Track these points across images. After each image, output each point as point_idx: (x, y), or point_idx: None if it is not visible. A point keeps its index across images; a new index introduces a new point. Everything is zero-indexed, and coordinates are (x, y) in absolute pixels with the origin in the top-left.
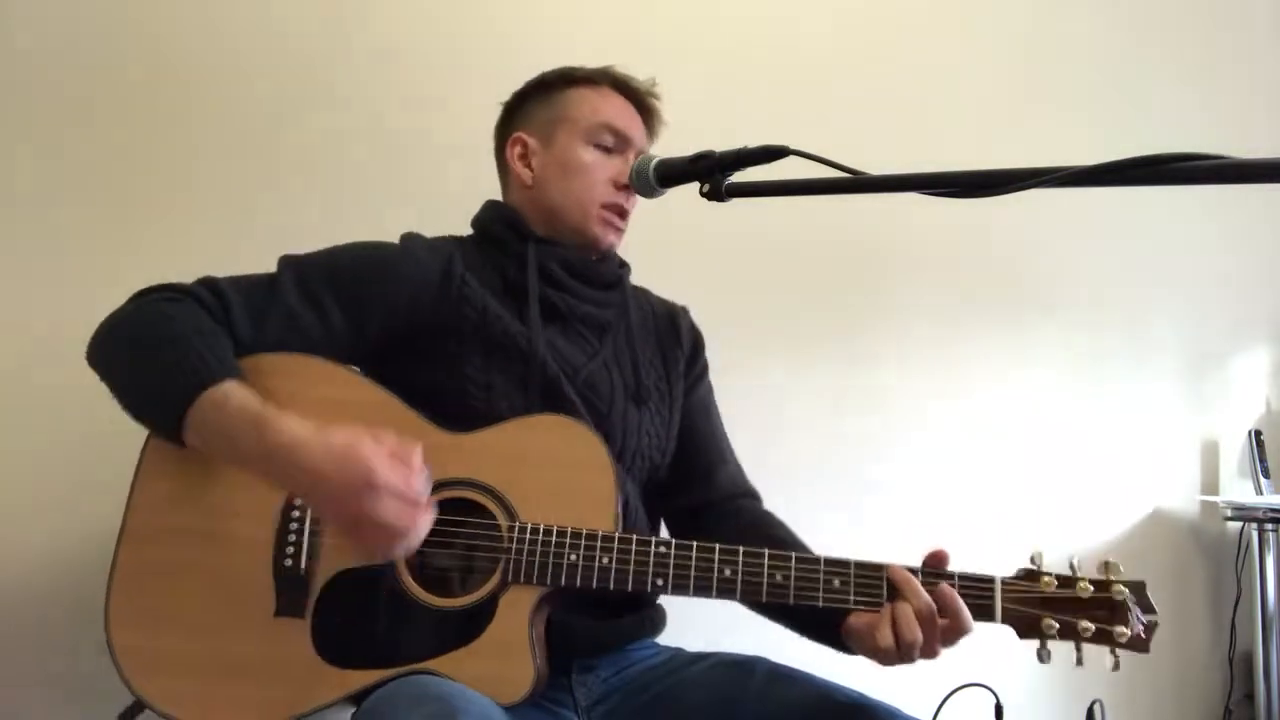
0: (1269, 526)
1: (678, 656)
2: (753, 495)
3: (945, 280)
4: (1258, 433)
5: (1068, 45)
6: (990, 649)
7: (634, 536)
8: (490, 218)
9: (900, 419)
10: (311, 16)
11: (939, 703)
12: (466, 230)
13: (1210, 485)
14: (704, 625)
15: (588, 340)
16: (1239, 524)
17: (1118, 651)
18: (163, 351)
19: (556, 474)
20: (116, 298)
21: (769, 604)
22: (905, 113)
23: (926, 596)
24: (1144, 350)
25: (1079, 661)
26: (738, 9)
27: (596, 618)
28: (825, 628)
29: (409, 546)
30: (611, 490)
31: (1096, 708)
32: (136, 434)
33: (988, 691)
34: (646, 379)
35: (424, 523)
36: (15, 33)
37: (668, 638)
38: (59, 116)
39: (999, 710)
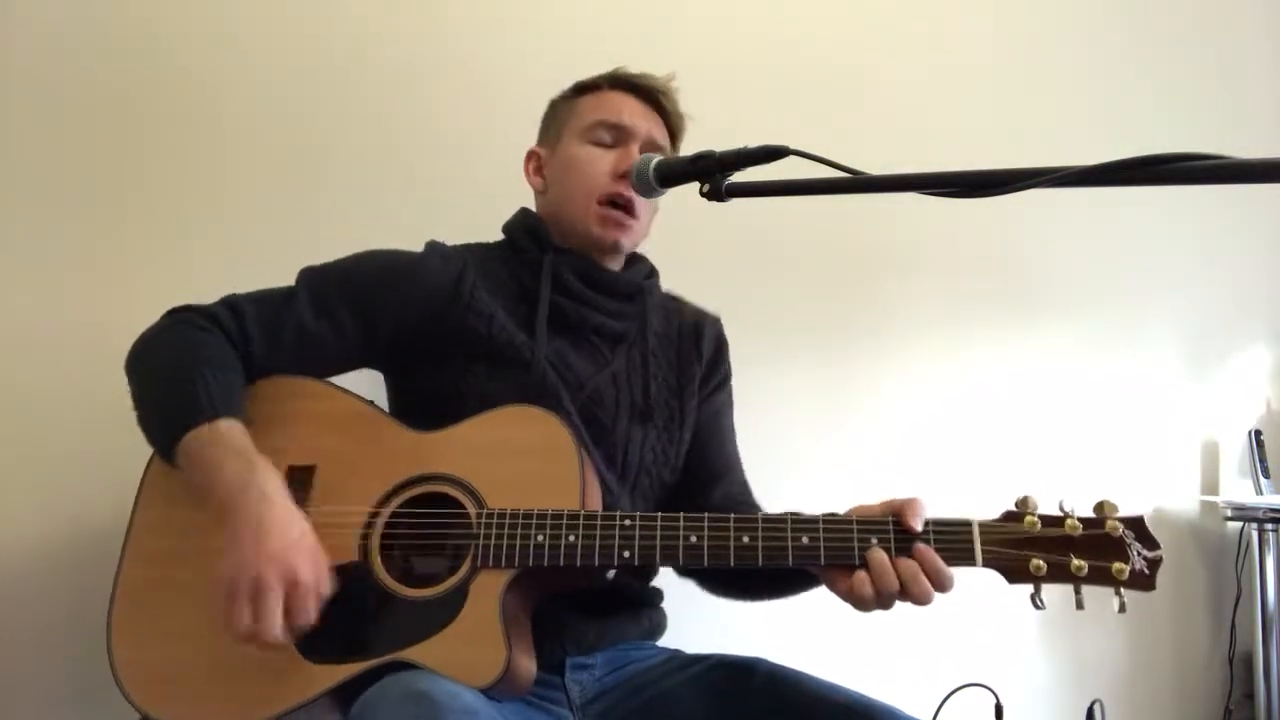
0: (1269, 526)
1: (676, 657)
2: (751, 507)
3: (945, 280)
4: (1258, 433)
5: (1067, 45)
6: (990, 649)
7: (599, 512)
8: (516, 224)
9: (900, 419)
10: (328, 18)
11: (939, 703)
12: (497, 236)
13: (1210, 485)
14: (704, 627)
15: (600, 352)
16: (1239, 524)
17: (1123, 592)
18: (173, 383)
19: (523, 461)
20: (117, 302)
21: (758, 573)
22: (905, 113)
23: (895, 582)
24: (1144, 350)
25: (1079, 605)
26: (737, 9)
27: (591, 617)
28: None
29: (272, 626)
30: (575, 473)
31: (1096, 708)
32: (137, 440)
33: (988, 691)
34: (657, 395)
35: (305, 611)
36: (17, 35)
37: (667, 639)
38: (65, 123)
39: (999, 710)
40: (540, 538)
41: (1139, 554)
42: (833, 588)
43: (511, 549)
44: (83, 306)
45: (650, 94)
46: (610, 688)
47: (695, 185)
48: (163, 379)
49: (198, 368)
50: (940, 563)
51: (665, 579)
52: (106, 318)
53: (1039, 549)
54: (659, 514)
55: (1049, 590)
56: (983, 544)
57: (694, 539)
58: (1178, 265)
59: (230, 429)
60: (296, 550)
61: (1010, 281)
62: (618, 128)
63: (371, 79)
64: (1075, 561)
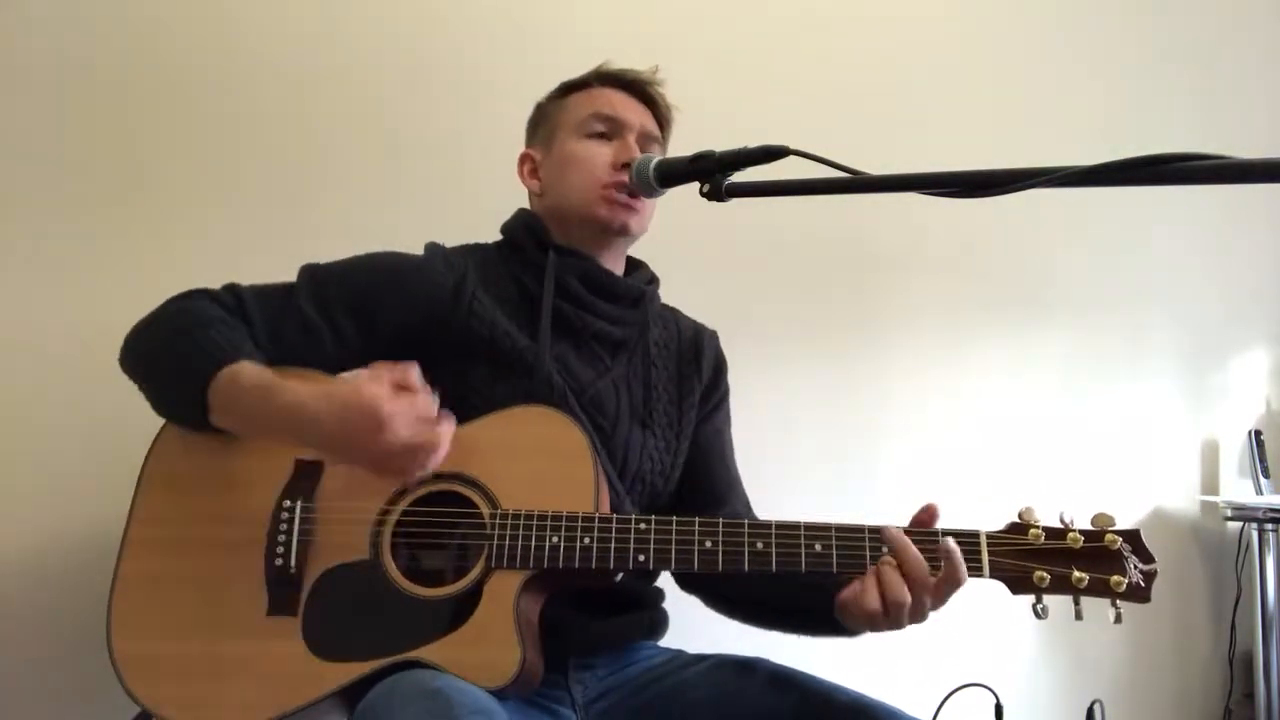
0: (1269, 526)
1: (678, 657)
2: None
3: (945, 280)
4: (1258, 433)
5: (1068, 45)
6: (990, 649)
7: (614, 515)
8: (516, 224)
9: (901, 419)
10: (327, 18)
11: (939, 703)
12: (494, 236)
13: (1210, 485)
14: (706, 628)
15: (600, 358)
16: (1239, 524)
17: (1119, 603)
18: (181, 342)
19: (537, 462)
20: (119, 298)
21: (763, 601)
22: (905, 113)
23: (919, 556)
24: (1144, 350)
25: (1078, 615)
26: (738, 9)
27: (593, 616)
28: (821, 614)
29: (437, 460)
30: (590, 475)
31: (1096, 708)
32: (137, 436)
33: (988, 691)
34: (656, 402)
35: (444, 433)
36: (17, 35)
37: (669, 639)
38: (63, 117)
39: (999, 710)
40: (555, 539)
41: (1136, 567)
42: (846, 614)
43: (526, 550)
44: (82, 303)
45: (638, 87)
46: (613, 687)
47: (695, 185)
48: (168, 346)
49: (201, 325)
50: (958, 554)
51: (666, 579)
52: (105, 314)
53: (1042, 561)
54: (674, 518)
55: (1047, 601)
56: (990, 555)
57: (709, 544)
58: (1178, 266)
59: (242, 369)
60: (357, 408)
61: (1011, 281)
62: (612, 119)
63: (371, 80)
64: (1076, 574)
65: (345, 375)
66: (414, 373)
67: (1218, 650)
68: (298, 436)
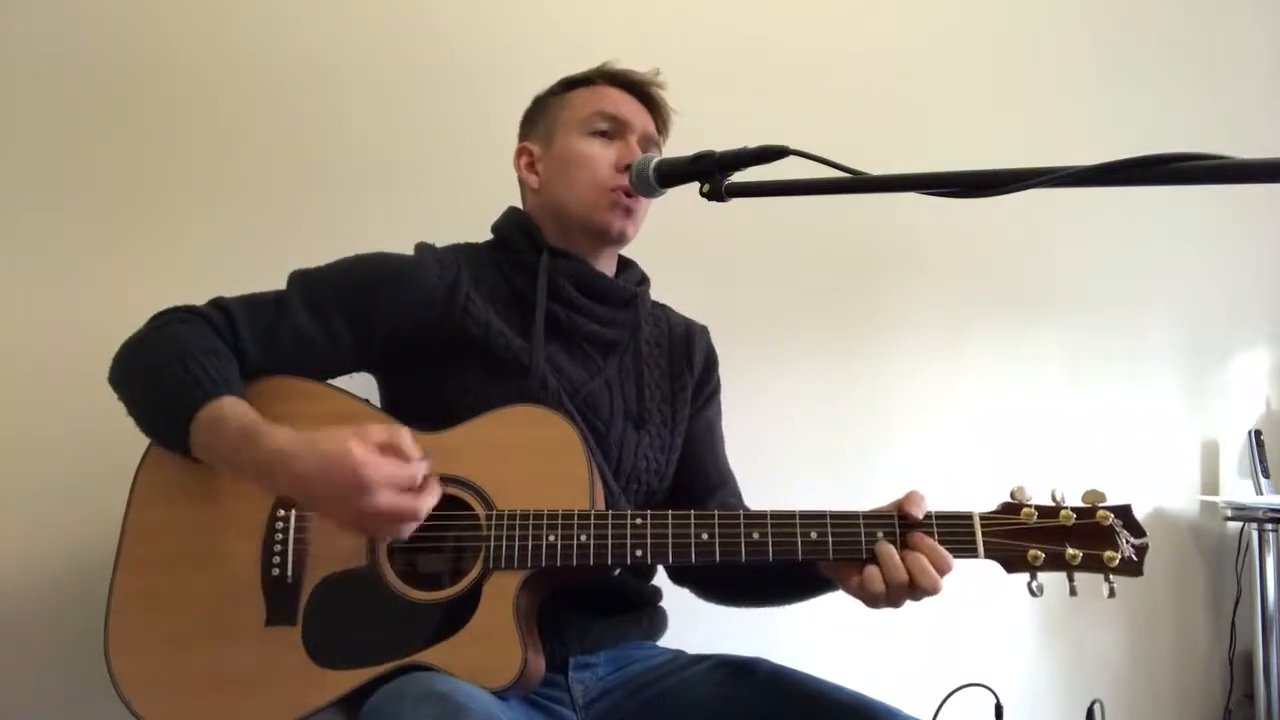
0: (1269, 526)
1: (678, 658)
2: None
3: (945, 281)
4: (1258, 433)
5: (1067, 45)
6: (990, 649)
7: (610, 511)
8: (507, 224)
9: (900, 419)
10: (325, 18)
11: (939, 703)
12: (484, 236)
13: (1210, 485)
14: (706, 627)
15: (592, 359)
16: (1239, 524)
17: (1112, 578)
18: (168, 372)
19: (531, 462)
20: (113, 303)
21: (751, 580)
22: (905, 113)
23: (904, 574)
24: (1144, 350)
25: (1072, 592)
26: (738, 9)
27: (593, 616)
28: (806, 576)
29: (412, 527)
30: (585, 472)
31: (1096, 708)
32: (133, 444)
33: (988, 691)
34: (650, 401)
35: (425, 502)
36: (19, 31)
37: (668, 639)
38: (66, 119)
39: (999, 710)
40: (552, 538)
41: (1127, 541)
42: (845, 585)
43: (524, 549)
44: (75, 309)
45: (641, 88)
46: (612, 687)
47: (695, 185)
48: (156, 374)
49: (190, 354)
50: (939, 547)
51: (664, 579)
52: (100, 319)
53: (1036, 539)
54: (670, 512)
55: (1042, 579)
56: (984, 536)
57: (705, 536)
58: (1178, 265)
59: (225, 408)
60: (341, 468)
61: (1010, 281)
62: (616, 119)
63: (365, 80)
64: (1070, 550)
65: (332, 428)
66: (405, 439)
67: (1218, 650)
68: (274, 483)
